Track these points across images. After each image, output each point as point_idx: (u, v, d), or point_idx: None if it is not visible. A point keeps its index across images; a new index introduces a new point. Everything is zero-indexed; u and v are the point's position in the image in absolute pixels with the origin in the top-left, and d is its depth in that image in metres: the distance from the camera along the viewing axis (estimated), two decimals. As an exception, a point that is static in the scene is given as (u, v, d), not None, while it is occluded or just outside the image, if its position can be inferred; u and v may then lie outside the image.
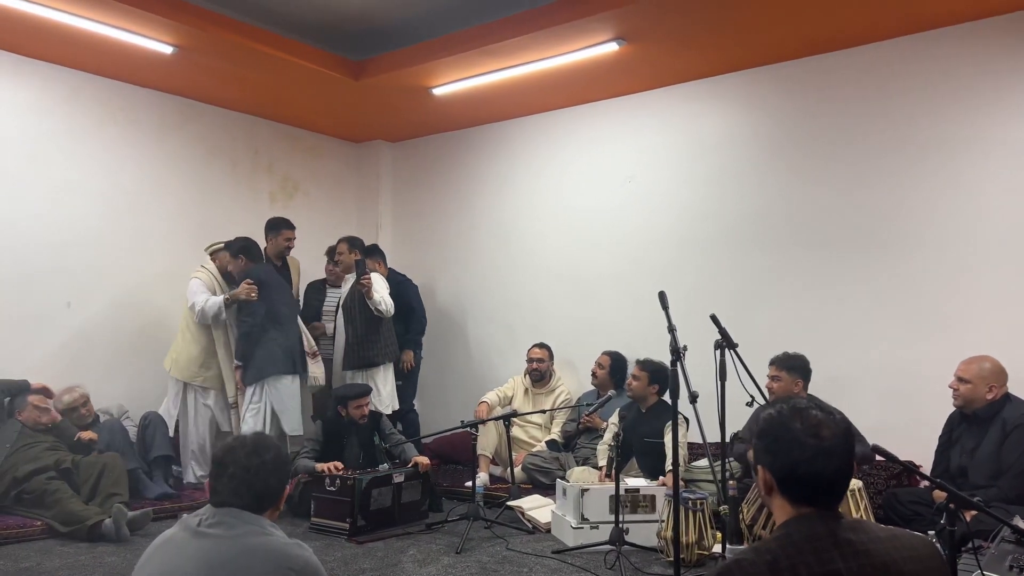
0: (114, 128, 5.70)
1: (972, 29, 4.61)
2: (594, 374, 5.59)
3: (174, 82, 5.78)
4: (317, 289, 6.13)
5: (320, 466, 4.66)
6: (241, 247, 5.38)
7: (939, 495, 3.49)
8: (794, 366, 4.40)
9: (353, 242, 5.72)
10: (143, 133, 5.85)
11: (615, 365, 5.53)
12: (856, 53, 5.00)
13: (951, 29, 4.68)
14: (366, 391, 5.08)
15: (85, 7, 4.55)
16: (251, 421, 5.11)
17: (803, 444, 1.56)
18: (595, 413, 5.16)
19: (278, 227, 5.69)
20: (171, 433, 5.29)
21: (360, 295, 5.43)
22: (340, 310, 5.73)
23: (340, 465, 4.64)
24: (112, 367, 5.55)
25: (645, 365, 4.79)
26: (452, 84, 5.74)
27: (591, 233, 6.08)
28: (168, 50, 5.08)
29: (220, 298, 5.25)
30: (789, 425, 1.59)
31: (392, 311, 5.57)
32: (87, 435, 4.80)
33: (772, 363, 4.45)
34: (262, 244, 5.58)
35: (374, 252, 6.07)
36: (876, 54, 4.93)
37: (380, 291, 5.52)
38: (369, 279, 5.42)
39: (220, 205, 6.28)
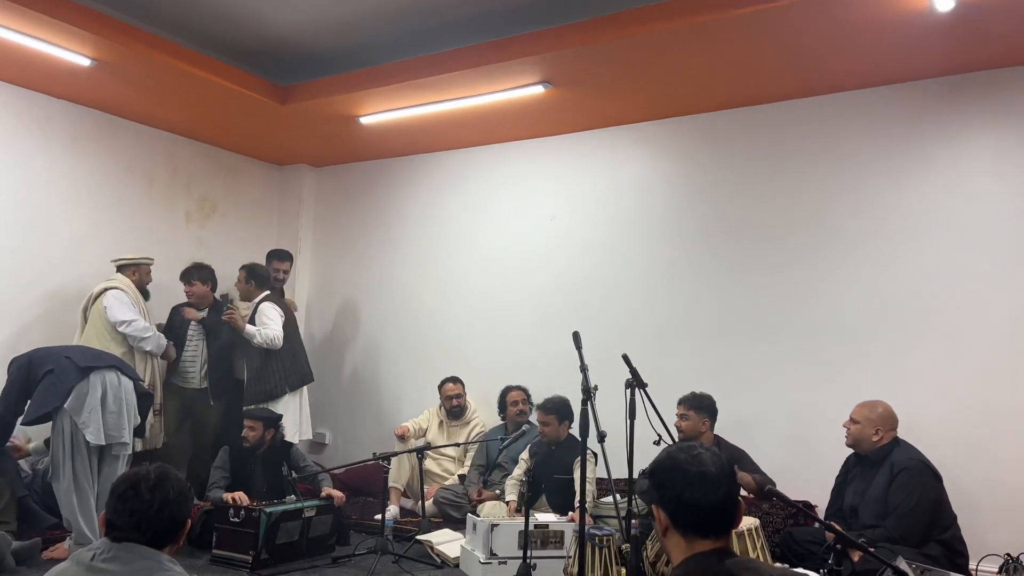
0: (26, 139, 5.48)
1: (889, 92, 4.86)
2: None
3: (92, 95, 5.61)
4: (180, 311, 5.75)
5: (227, 496, 4.55)
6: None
7: (830, 535, 3.65)
8: (701, 406, 4.58)
9: (251, 271, 5.77)
10: (56, 145, 5.64)
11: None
12: (772, 109, 5.24)
13: (869, 91, 4.91)
14: (257, 414, 4.98)
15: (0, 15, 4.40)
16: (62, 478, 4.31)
17: (686, 471, 1.72)
18: (480, 487, 5.32)
19: (270, 257, 6.22)
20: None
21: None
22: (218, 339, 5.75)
23: (245, 496, 4.54)
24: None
25: (548, 408, 4.85)
26: (380, 114, 5.76)
27: (511, 268, 6.14)
28: (86, 63, 4.94)
29: (164, 343, 5.36)
30: (675, 457, 1.77)
31: (276, 342, 5.49)
32: None
33: (681, 402, 4.60)
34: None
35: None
36: (791, 111, 5.17)
37: (266, 323, 5.50)
38: (231, 313, 5.43)
39: (133, 223, 6.09)
